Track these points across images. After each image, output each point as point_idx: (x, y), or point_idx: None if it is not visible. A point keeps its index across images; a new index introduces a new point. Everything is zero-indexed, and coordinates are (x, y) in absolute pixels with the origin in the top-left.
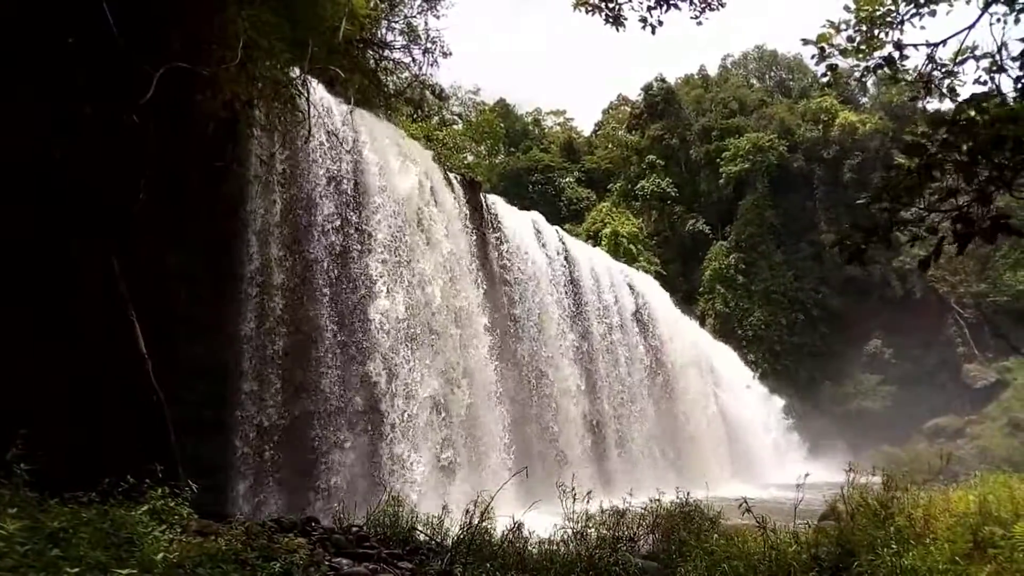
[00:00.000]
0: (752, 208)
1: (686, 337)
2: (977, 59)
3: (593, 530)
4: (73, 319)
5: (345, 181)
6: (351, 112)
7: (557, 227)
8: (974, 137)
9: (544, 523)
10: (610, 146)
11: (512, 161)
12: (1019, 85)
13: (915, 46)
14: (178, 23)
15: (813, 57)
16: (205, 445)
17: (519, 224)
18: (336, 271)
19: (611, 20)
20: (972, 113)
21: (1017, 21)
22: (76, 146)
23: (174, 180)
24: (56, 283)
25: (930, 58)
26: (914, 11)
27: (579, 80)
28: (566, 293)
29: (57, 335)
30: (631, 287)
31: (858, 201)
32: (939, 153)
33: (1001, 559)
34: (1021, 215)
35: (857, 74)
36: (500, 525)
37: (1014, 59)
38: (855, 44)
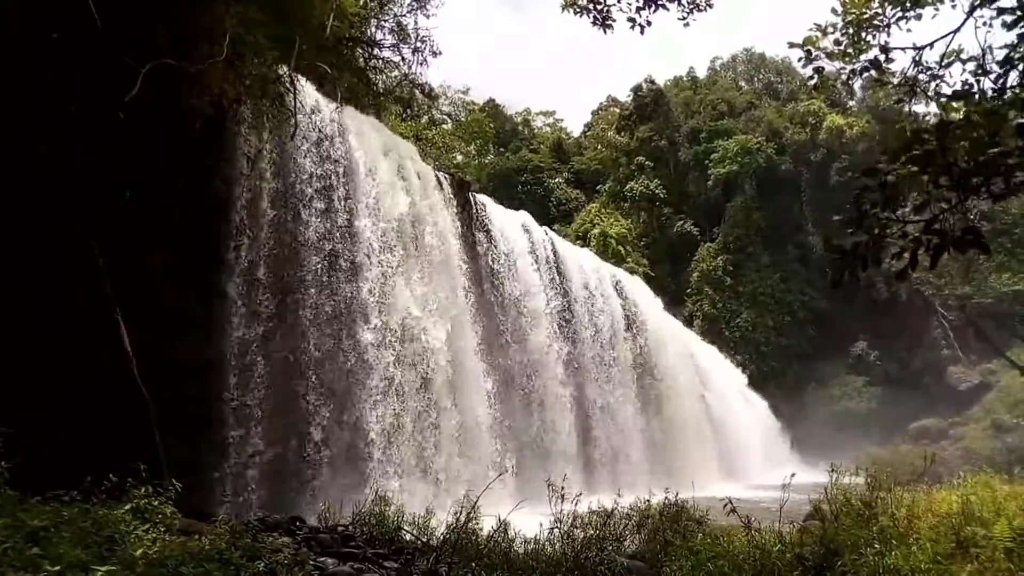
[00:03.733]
0: (740, 210)
1: (674, 338)
2: (963, 62)
3: (580, 530)
4: (57, 317)
5: (333, 178)
6: (339, 110)
7: (546, 227)
8: (946, 144)
9: (531, 523)
10: (599, 147)
11: (501, 161)
12: (998, 84)
13: (901, 49)
14: (164, 19)
15: (800, 60)
16: (190, 444)
17: (508, 224)
18: (324, 269)
19: (599, 21)
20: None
21: (1003, 25)
22: (61, 144)
23: (160, 178)
24: (41, 282)
25: (916, 61)
26: (900, 14)
27: (569, 81)
28: (555, 293)
29: (41, 334)
30: (619, 288)
31: (835, 218)
32: (911, 165)
33: (983, 559)
34: (1005, 219)
35: (844, 76)
36: (487, 525)
37: (999, 63)
38: (842, 47)
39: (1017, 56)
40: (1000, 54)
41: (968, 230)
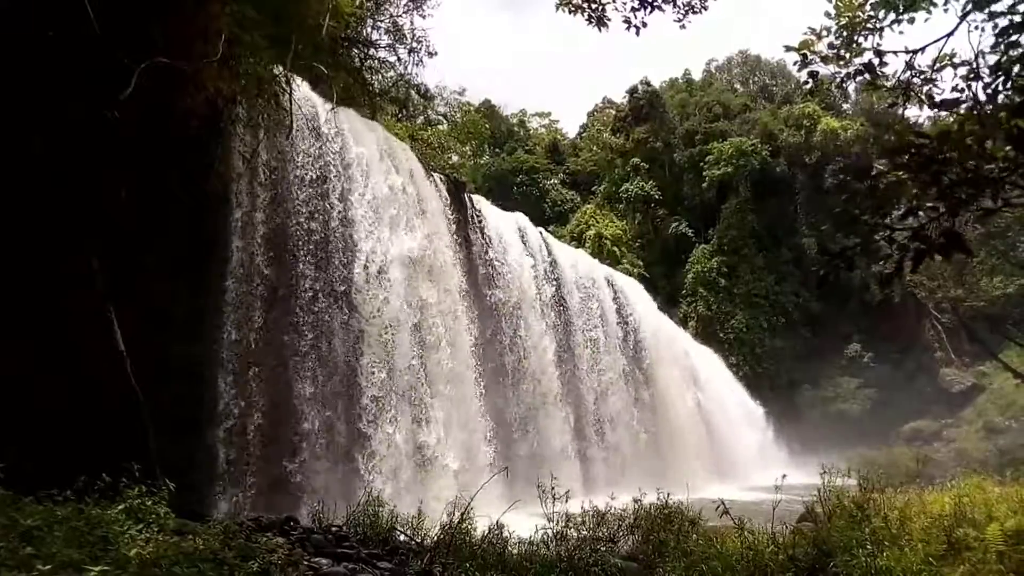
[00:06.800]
0: (735, 212)
1: (668, 339)
2: (955, 67)
3: (573, 530)
4: (51, 317)
5: (328, 179)
6: (335, 110)
7: (541, 228)
8: (936, 155)
9: (525, 524)
10: (595, 148)
11: (497, 162)
12: (989, 91)
13: (894, 53)
14: (160, 18)
15: (795, 63)
16: (183, 444)
17: (503, 225)
18: (319, 270)
19: (594, 21)
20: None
21: (995, 28)
22: (57, 142)
23: (156, 177)
24: (35, 282)
25: (909, 65)
26: (893, 17)
27: (564, 82)
28: (549, 294)
29: (35, 334)
30: (614, 289)
31: (823, 228)
32: (899, 172)
33: (974, 560)
34: (998, 222)
35: (838, 80)
36: (481, 525)
37: (990, 67)
38: (836, 51)
39: (1006, 61)
40: (992, 59)
41: (950, 235)
